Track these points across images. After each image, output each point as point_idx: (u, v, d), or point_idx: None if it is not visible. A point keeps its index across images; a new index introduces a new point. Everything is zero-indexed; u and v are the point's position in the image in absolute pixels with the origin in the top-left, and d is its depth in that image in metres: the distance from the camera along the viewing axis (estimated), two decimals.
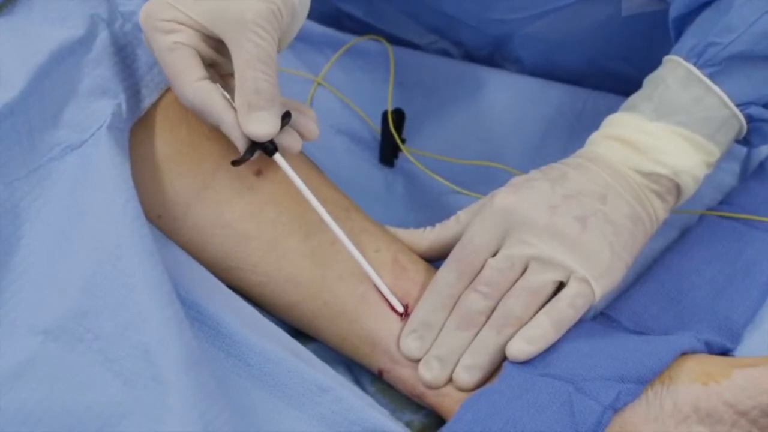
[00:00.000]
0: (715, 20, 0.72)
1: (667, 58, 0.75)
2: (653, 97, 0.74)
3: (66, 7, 0.72)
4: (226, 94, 0.69)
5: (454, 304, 0.72)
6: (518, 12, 0.89)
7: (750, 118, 0.74)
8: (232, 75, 0.70)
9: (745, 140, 0.76)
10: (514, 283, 0.71)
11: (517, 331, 0.70)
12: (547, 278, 0.70)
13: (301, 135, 0.73)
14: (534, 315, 0.70)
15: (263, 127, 0.68)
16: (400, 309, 0.72)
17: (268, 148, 0.70)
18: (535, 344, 0.69)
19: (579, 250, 0.70)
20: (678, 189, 0.74)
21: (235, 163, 0.70)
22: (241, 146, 0.69)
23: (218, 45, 0.70)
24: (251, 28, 0.67)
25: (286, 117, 0.71)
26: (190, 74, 0.69)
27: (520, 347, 0.69)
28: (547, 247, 0.70)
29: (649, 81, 0.76)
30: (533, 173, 0.74)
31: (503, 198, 0.72)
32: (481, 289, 0.71)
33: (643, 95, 0.75)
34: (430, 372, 0.71)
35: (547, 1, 0.87)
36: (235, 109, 0.68)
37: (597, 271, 0.70)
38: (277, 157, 0.71)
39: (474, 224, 0.72)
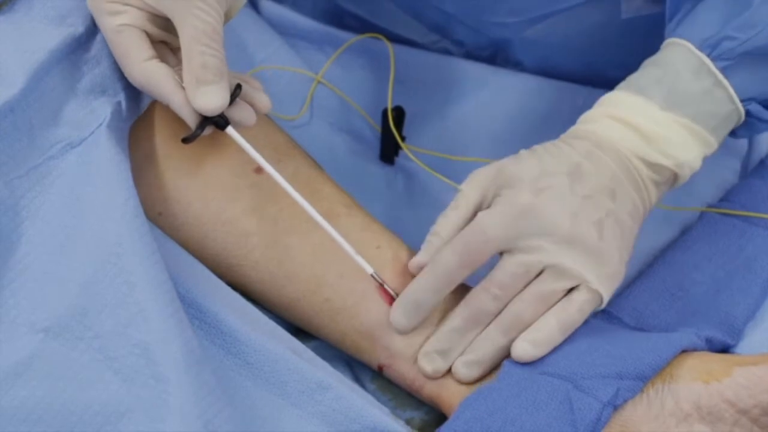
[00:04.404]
0: (734, 12, 0.71)
1: (677, 42, 0.73)
2: (664, 82, 0.73)
3: (65, 6, 0.72)
4: (173, 73, 0.69)
5: (448, 287, 0.71)
6: (517, 15, 0.88)
7: (747, 114, 0.74)
8: None
9: (731, 131, 0.76)
10: (526, 285, 0.70)
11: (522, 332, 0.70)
12: (560, 286, 0.70)
13: (255, 108, 0.72)
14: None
15: (212, 100, 0.68)
16: (393, 294, 0.72)
17: (219, 122, 0.70)
18: (541, 348, 0.69)
19: (594, 260, 0.70)
20: (675, 178, 0.74)
21: (185, 140, 0.70)
22: (192, 122, 0.69)
23: (166, 23, 0.70)
24: (196, 4, 0.67)
25: (236, 90, 0.70)
26: (137, 55, 0.69)
27: (526, 350, 0.69)
28: (566, 257, 0.69)
29: (657, 63, 0.74)
30: (547, 160, 0.72)
31: (526, 198, 0.70)
32: (494, 292, 0.70)
33: (652, 77, 0.73)
34: (431, 365, 0.71)
35: (545, 5, 0.87)
36: (183, 87, 0.68)
37: (608, 281, 0.70)
38: (230, 130, 0.70)
39: (490, 216, 0.70)
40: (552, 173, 0.71)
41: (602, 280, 0.70)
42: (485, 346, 0.70)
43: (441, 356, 0.71)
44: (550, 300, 0.70)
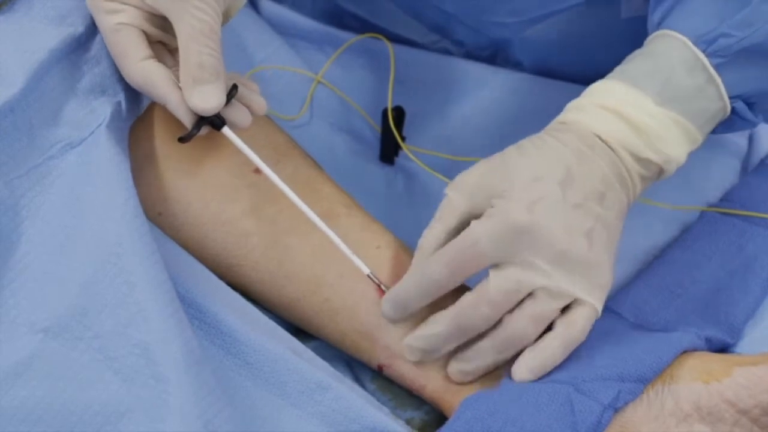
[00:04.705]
0: (732, 9, 0.70)
1: (670, 34, 0.72)
2: (657, 76, 0.71)
3: (65, 5, 0.72)
4: (170, 73, 0.69)
5: (436, 294, 0.70)
6: (517, 15, 0.88)
7: (732, 111, 0.72)
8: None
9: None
10: (518, 303, 0.69)
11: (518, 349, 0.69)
12: (556, 305, 0.68)
13: (251, 110, 0.72)
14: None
15: (208, 100, 0.68)
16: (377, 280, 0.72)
17: (216, 122, 0.70)
18: (543, 371, 0.69)
19: (587, 275, 0.68)
20: (660, 173, 0.72)
21: (182, 139, 0.70)
22: (188, 122, 0.69)
23: (164, 22, 0.70)
24: (193, 3, 0.67)
25: (233, 90, 0.70)
26: (134, 54, 0.69)
27: (528, 376, 0.69)
28: (561, 277, 0.68)
29: (649, 55, 0.72)
30: (537, 162, 0.69)
31: (521, 214, 0.68)
32: (485, 310, 0.68)
33: (645, 69, 0.71)
34: (414, 357, 0.71)
35: (545, 5, 0.86)
36: (180, 87, 0.68)
37: (600, 291, 0.69)
38: (226, 130, 0.70)
39: (484, 229, 0.68)
40: (543, 179, 0.69)
41: (595, 293, 0.69)
42: (479, 359, 0.70)
43: (425, 354, 0.71)
44: (546, 320, 0.68)
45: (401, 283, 0.70)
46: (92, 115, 0.71)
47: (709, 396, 0.67)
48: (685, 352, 0.70)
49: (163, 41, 0.72)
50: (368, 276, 0.72)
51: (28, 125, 0.68)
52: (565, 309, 0.69)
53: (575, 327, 0.69)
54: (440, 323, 0.70)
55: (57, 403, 0.64)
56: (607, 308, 0.76)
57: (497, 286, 0.68)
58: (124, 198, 0.68)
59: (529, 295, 0.68)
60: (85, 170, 0.69)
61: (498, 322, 0.69)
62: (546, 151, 0.70)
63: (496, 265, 0.68)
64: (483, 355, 0.70)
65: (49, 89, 0.70)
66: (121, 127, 0.72)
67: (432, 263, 0.69)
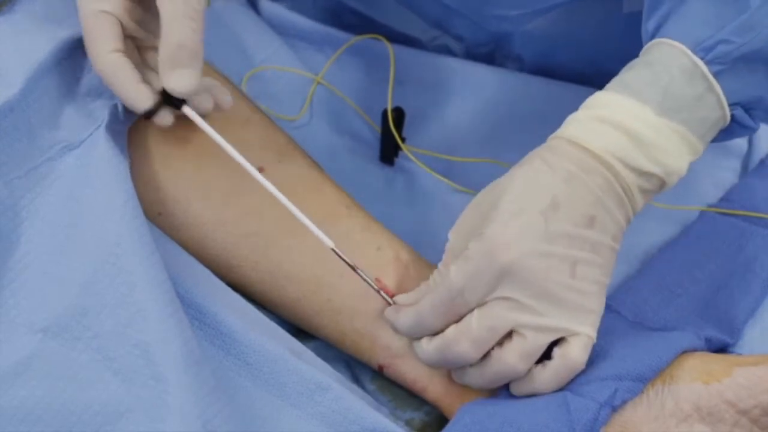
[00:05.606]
0: (730, 14, 0.68)
1: (667, 42, 0.70)
2: (657, 86, 0.69)
3: (65, 7, 0.72)
4: (135, 70, 0.69)
5: (431, 332, 0.69)
6: (518, 8, 0.87)
7: (731, 119, 0.70)
8: (152, 48, 0.71)
9: None
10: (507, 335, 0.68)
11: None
12: (545, 341, 0.67)
13: (217, 101, 0.73)
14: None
15: (181, 84, 0.68)
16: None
17: (176, 102, 0.70)
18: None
19: (576, 305, 0.67)
20: (662, 185, 0.70)
21: (147, 115, 0.70)
22: (146, 102, 0.69)
23: (143, 15, 0.70)
24: None
25: None
26: (105, 45, 0.69)
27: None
28: (547, 312, 0.66)
29: (647, 64, 0.70)
30: (521, 194, 0.68)
31: (498, 255, 0.66)
32: (466, 347, 0.67)
33: (644, 79, 0.69)
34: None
35: None
36: (143, 83, 0.69)
37: (592, 317, 0.68)
38: (186, 109, 0.71)
39: (465, 275, 0.67)
40: (526, 210, 0.67)
41: (587, 320, 0.67)
42: (472, 383, 0.69)
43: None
44: (535, 354, 0.67)
45: (400, 316, 0.70)
46: (91, 116, 0.71)
47: (709, 396, 0.67)
48: (685, 352, 0.70)
49: (136, 36, 0.72)
50: (333, 250, 0.70)
51: (28, 125, 0.68)
52: (560, 340, 0.67)
53: (571, 362, 0.67)
54: (428, 350, 0.69)
55: (56, 403, 0.64)
56: (607, 306, 0.75)
57: (480, 323, 0.67)
58: (123, 200, 0.68)
59: (517, 331, 0.67)
60: (84, 172, 0.69)
61: (487, 355, 0.68)
62: (533, 178, 0.68)
63: (480, 305, 0.67)
64: (475, 383, 0.69)
65: (48, 90, 0.70)
66: (120, 129, 0.72)
67: (424, 310, 0.69)
